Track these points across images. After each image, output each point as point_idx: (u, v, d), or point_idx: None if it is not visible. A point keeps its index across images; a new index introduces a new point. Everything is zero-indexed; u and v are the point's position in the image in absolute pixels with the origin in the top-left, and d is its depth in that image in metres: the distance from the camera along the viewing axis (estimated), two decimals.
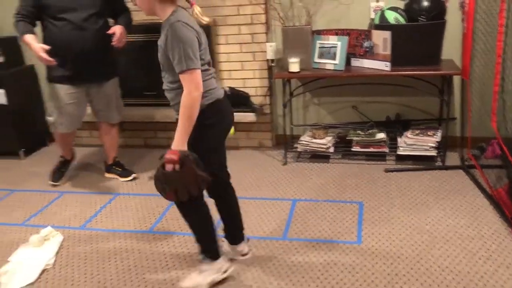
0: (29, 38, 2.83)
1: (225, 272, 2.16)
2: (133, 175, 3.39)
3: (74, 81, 3.01)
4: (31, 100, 4.08)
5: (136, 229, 2.72)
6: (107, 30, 2.96)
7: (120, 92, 3.33)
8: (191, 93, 1.81)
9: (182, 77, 1.83)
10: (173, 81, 1.93)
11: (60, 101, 3.06)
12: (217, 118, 1.98)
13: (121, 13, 3.11)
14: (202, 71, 1.87)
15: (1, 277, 2.32)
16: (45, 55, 2.76)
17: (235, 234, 2.31)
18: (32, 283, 2.27)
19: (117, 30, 2.95)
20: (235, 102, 3.61)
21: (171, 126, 3.79)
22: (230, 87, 3.68)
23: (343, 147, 3.53)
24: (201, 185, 1.92)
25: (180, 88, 1.87)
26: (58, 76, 2.99)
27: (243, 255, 2.32)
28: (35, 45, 2.78)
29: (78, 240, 2.63)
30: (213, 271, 2.13)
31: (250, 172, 3.40)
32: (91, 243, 2.59)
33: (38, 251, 2.51)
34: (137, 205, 3.01)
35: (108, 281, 2.26)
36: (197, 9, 1.96)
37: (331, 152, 3.48)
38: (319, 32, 3.37)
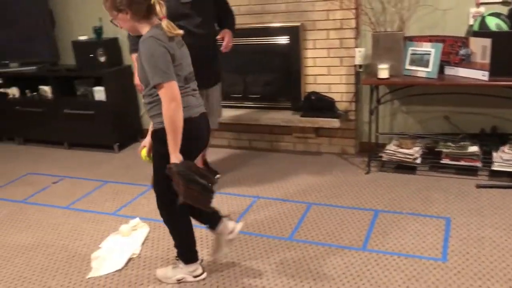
0: (135, 57, 2.96)
1: (197, 276, 2.28)
2: (218, 176, 3.47)
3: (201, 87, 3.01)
4: (127, 98, 4.35)
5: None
6: (216, 35, 3.01)
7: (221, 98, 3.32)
8: (169, 104, 1.87)
9: (159, 91, 1.89)
10: (149, 95, 2.00)
11: None
12: (186, 136, 1.94)
13: (225, 16, 3.10)
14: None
15: (92, 262, 2.50)
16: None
17: (209, 219, 2.28)
18: (119, 270, 2.42)
19: (226, 35, 2.98)
20: (319, 107, 3.62)
21: (256, 128, 3.88)
22: (314, 92, 3.66)
23: (431, 158, 3.36)
24: (200, 195, 1.94)
25: (156, 102, 1.96)
26: None
27: (230, 232, 2.28)
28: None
29: (162, 233, 2.76)
30: (186, 271, 2.27)
31: (330, 178, 3.35)
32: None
33: (126, 240, 2.67)
34: (218, 204, 3.09)
35: None
36: (164, 23, 1.92)
37: (418, 163, 3.33)
38: (412, 38, 3.25)
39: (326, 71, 3.69)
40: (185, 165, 1.93)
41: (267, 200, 3.10)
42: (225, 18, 3.12)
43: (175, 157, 1.92)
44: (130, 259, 2.51)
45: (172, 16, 2.79)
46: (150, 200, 3.20)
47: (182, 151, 1.95)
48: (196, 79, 2.24)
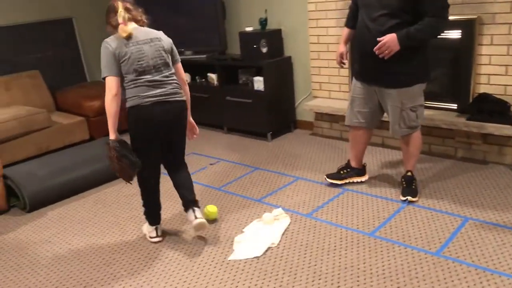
0: (344, 32, 3.10)
1: (151, 238, 2.75)
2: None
3: (360, 78, 2.96)
4: (283, 89, 4.44)
5: (358, 228, 2.70)
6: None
7: (417, 104, 2.84)
8: (107, 94, 2.40)
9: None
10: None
11: (351, 93, 3.08)
12: (135, 121, 2.49)
13: (423, 18, 2.61)
14: (126, 80, 2.46)
15: (235, 244, 2.63)
16: (338, 58, 3.10)
17: (183, 202, 2.73)
18: (257, 257, 2.50)
19: (385, 39, 2.63)
20: (489, 110, 3.22)
21: (436, 131, 3.56)
22: (485, 93, 3.27)
23: None
24: (129, 169, 2.45)
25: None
26: (353, 69, 3.12)
27: (191, 221, 2.65)
28: (340, 45, 3.10)
29: (303, 227, 2.76)
30: (146, 230, 2.81)
31: (495, 192, 2.97)
32: (314, 232, 2.69)
33: (268, 229, 2.74)
34: (363, 204, 2.98)
35: (323, 274, 2.31)
36: (119, 29, 2.45)
37: None
38: None
39: (503, 70, 3.25)
40: (120, 143, 2.44)
41: (415, 207, 2.88)
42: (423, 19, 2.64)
43: (112, 135, 2.43)
44: (268, 248, 2.57)
45: (361, 2, 2.81)
46: (294, 192, 3.23)
47: (132, 133, 2.53)
48: (371, 74, 2.76)
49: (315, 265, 2.39)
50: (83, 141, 4.42)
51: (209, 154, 4.13)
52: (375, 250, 2.46)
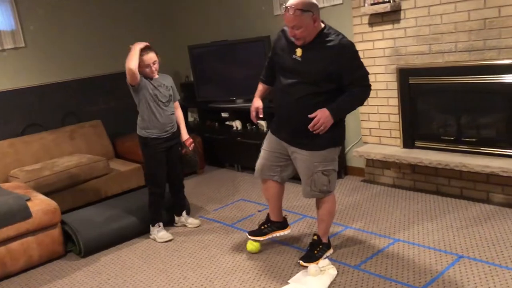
0: (259, 87, 3.06)
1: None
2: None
3: (276, 134, 2.89)
4: None
5: (409, 282, 2.58)
6: (314, 102, 2.63)
7: (329, 168, 2.78)
8: None
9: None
10: None
11: (264, 146, 3.01)
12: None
13: (346, 87, 2.64)
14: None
15: None
16: (253, 113, 2.99)
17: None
18: None
19: (318, 114, 2.59)
20: None
21: (468, 175, 3.48)
22: None
23: None
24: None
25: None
26: (270, 124, 3.02)
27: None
28: (254, 99, 3.02)
29: (350, 279, 2.68)
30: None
31: None
32: (361, 286, 2.60)
33: (313, 281, 2.68)
34: (415, 256, 2.85)
35: None
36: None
37: None
38: None
39: None
40: None
41: (472, 261, 2.72)
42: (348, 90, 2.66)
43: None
44: None
45: (279, 66, 2.81)
46: (343, 242, 3.15)
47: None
48: (285, 134, 2.83)
49: None
50: (139, 187, 4.59)
51: (258, 201, 4.14)
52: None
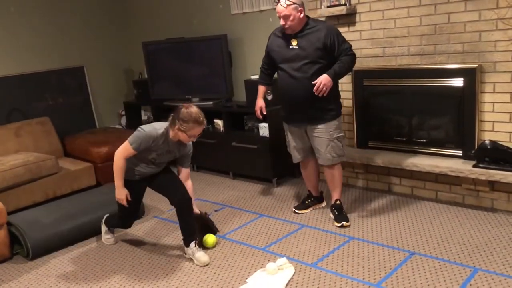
0: (260, 88, 3.62)
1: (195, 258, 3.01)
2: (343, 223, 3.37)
3: (290, 122, 3.46)
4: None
5: (364, 279, 2.64)
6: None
7: (341, 135, 3.37)
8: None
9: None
10: None
11: (286, 137, 3.58)
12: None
13: (338, 58, 3.20)
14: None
15: None
16: (257, 111, 3.59)
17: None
18: None
19: (320, 79, 3.12)
20: (496, 158, 3.20)
21: (418, 174, 3.61)
22: (491, 141, 3.26)
23: None
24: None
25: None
26: (283, 115, 3.52)
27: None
28: (258, 100, 3.60)
29: (307, 277, 2.71)
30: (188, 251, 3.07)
31: (505, 242, 2.90)
32: (318, 284, 2.63)
33: (271, 279, 2.69)
34: (369, 253, 2.93)
35: None
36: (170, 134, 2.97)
37: None
38: None
39: (507, 118, 3.26)
40: None
41: (422, 256, 2.82)
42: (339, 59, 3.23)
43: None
44: None
45: (279, 60, 3.32)
46: (300, 241, 3.19)
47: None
48: (298, 117, 3.33)
49: None
50: (90, 187, 4.44)
51: (214, 200, 4.12)
52: None
